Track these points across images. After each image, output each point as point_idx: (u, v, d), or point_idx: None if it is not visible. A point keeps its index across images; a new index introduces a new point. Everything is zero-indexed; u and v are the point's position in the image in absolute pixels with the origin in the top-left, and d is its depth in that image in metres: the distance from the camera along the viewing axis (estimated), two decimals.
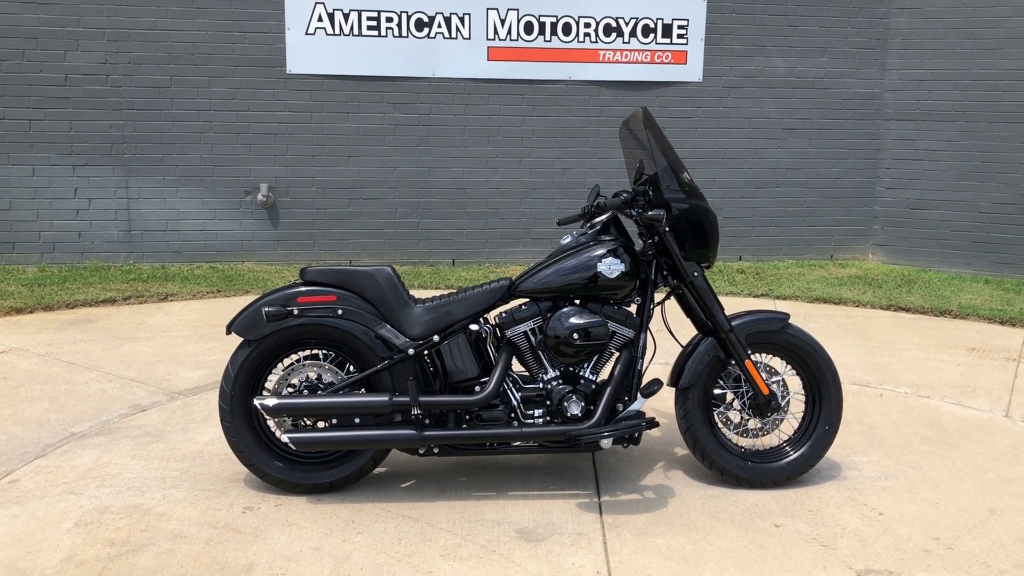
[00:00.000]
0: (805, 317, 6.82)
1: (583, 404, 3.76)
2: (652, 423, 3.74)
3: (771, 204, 8.55)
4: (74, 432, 4.46)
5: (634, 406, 3.79)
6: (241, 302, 6.90)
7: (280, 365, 3.86)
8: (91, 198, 7.61)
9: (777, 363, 4.06)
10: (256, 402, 3.64)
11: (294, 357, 3.85)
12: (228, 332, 3.78)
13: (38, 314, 6.47)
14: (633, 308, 3.94)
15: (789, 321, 4.00)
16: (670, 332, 4.04)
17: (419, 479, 3.98)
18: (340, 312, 3.72)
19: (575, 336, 3.71)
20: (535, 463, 4.17)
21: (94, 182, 7.59)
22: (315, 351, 3.83)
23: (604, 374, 3.95)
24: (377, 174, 7.99)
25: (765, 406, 3.93)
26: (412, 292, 4.01)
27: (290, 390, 3.78)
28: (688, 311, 4.00)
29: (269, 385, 3.82)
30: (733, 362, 3.93)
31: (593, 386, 3.83)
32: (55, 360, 5.51)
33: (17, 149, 7.46)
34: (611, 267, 3.75)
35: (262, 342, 3.74)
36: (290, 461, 3.79)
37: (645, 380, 3.86)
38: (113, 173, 7.63)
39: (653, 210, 3.71)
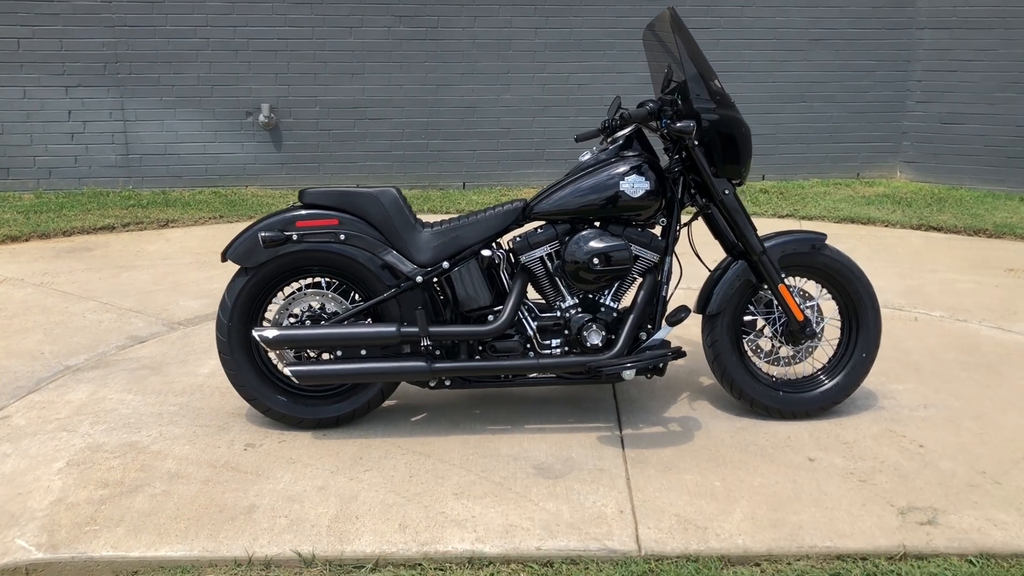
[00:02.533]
0: (832, 238, 6.49)
1: (603, 333, 3.51)
2: (678, 353, 3.49)
3: (796, 120, 8.16)
4: (69, 365, 4.26)
5: (658, 335, 3.54)
6: (243, 226, 6.63)
7: (281, 294, 3.61)
8: (86, 120, 7.30)
9: (812, 287, 3.79)
10: (255, 333, 3.41)
11: (296, 285, 3.61)
12: (224, 259, 3.53)
13: (34, 242, 6.24)
14: (658, 230, 3.66)
15: (826, 242, 3.71)
16: (697, 255, 3.76)
17: (431, 412, 3.77)
18: (342, 237, 3.46)
19: (595, 261, 3.44)
20: (553, 395, 3.94)
21: (88, 104, 7.28)
22: (318, 279, 3.59)
23: (626, 301, 3.69)
24: (383, 92, 7.64)
25: (799, 333, 3.67)
26: (420, 217, 3.74)
27: (291, 320, 3.54)
28: (717, 233, 3.72)
29: (270, 315, 3.58)
30: (765, 286, 3.66)
31: (614, 314, 3.57)
32: (51, 290, 5.30)
33: (6, 70, 7.14)
34: (634, 185, 3.45)
35: (260, 269, 3.49)
36: (294, 395, 3.58)
37: (670, 307, 3.60)
38: (107, 94, 7.31)
39: (681, 121, 3.39)
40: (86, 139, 7.31)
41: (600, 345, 3.50)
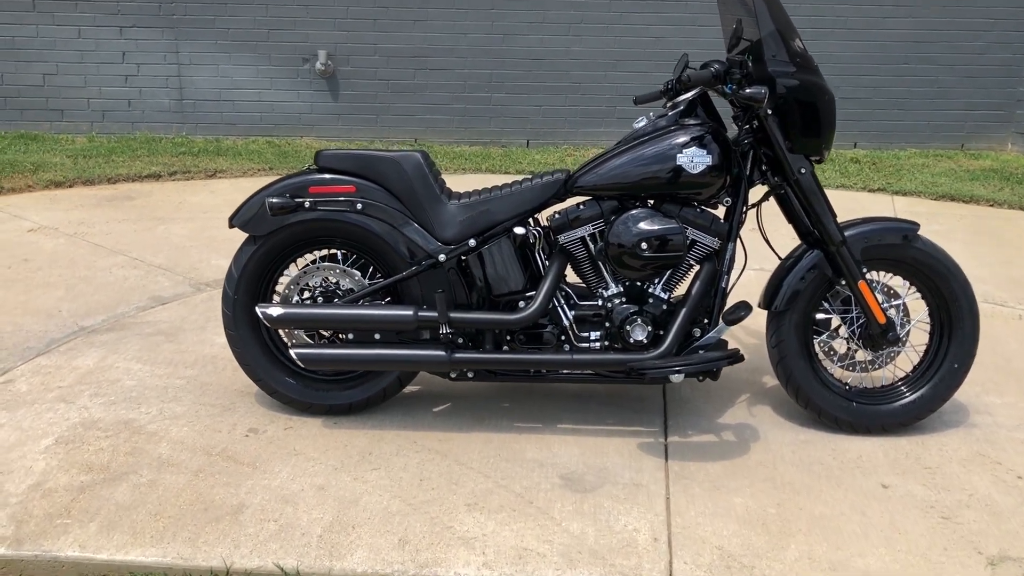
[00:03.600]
0: (928, 217, 5.88)
1: (650, 328, 3.07)
2: (735, 357, 3.03)
3: (895, 83, 7.43)
4: (84, 327, 4.02)
5: (714, 332, 3.09)
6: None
7: (294, 266, 3.27)
8: (140, 63, 7.07)
9: (898, 283, 3.27)
10: (258, 310, 3.07)
11: (310, 257, 3.26)
12: (231, 225, 3.19)
13: (77, 189, 6.06)
14: (721, 211, 3.18)
15: (919, 232, 3.18)
16: (766, 241, 3.27)
17: (454, 403, 3.40)
18: (359, 206, 3.08)
19: (643, 246, 2.99)
20: (592, 390, 3.52)
21: (142, 46, 7.04)
22: (334, 251, 3.23)
23: (680, 291, 3.23)
24: (445, 41, 7.20)
25: (880, 337, 3.17)
26: (454, 186, 3.33)
27: (301, 297, 3.19)
28: (791, 216, 3.22)
29: (280, 288, 3.24)
30: (843, 282, 3.16)
31: (664, 306, 3.12)
32: (82, 242, 5.08)
33: (62, 8, 6.94)
34: (695, 159, 2.98)
35: (269, 238, 3.15)
36: (303, 378, 3.25)
37: (731, 300, 3.14)
38: (162, 36, 7.05)
39: (753, 86, 2.89)
40: (140, 82, 7.08)
41: (645, 342, 3.07)
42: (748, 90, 2.87)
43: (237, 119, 7.22)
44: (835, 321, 3.28)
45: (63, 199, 5.83)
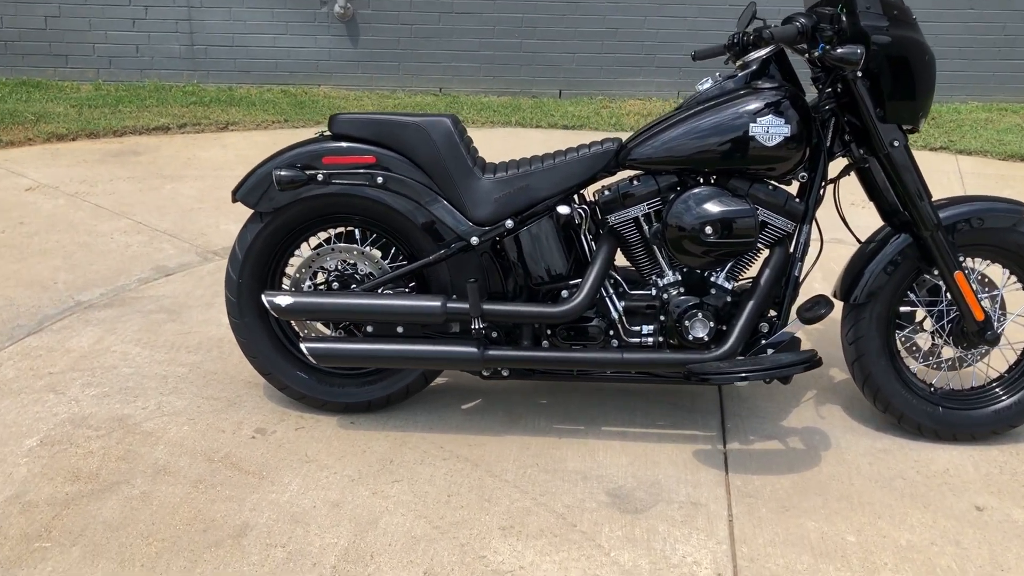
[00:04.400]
0: (997, 180, 5.40)
1: (712, 324, 2.68)
2: (812, 362, 2.62)
3: (959, 30, 6.86)
4: (80, 301, 3.68)
5: (786, 329, 2.70)
6: (311, 134, 5.93)
7: (306, 245, 2.89)
8: (148, 5, 6.63)
9: (996, 272, 2.85)
10: (264, 298, 2.70)
11: (325, 236, 2.88)
12: (234, 199, 2.81)
13: (80, 142, 5.68)
14: (794, 188, 2.76)
15: None
16: (844, 221, 2.86)
17: (486, 399, 3.04)
18: (380, 180, 2.69)
19: (708, 230, 2.59)
20: (640, 385, 3.14)
21: None
22: (352, 229, 2.85)
23: (746, 279, 2.83)
24: None
25: (976, 336, 2.76)
26: (485, 156, 2.93)
27: (313, 283, 2.82)
28: (873, 194, 2.80)
29: (292, 271, 2.87)
30: (935, 271, 2.74)
31: (728, 298, 2.73)
32: (83, 202, 4.72)
33: None
34: (770, 130, 2.55)
35: (278, 215, 2.77)
36: (318, 371, 2.89)
37: (805, 294, 2.74)
38: None
39: (845, 45, 2.44)
40: (148, 26, 6.65)
41: (705, 339, 2.68)
42: (840, 50, 2.42)
43: (251, 66, 6.78)
44: (920, 314, 2.87)
45: (65, 154, 5.46)
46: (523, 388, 3.09)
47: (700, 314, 2.67)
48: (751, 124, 2.55)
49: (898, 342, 2.87)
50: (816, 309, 2.65)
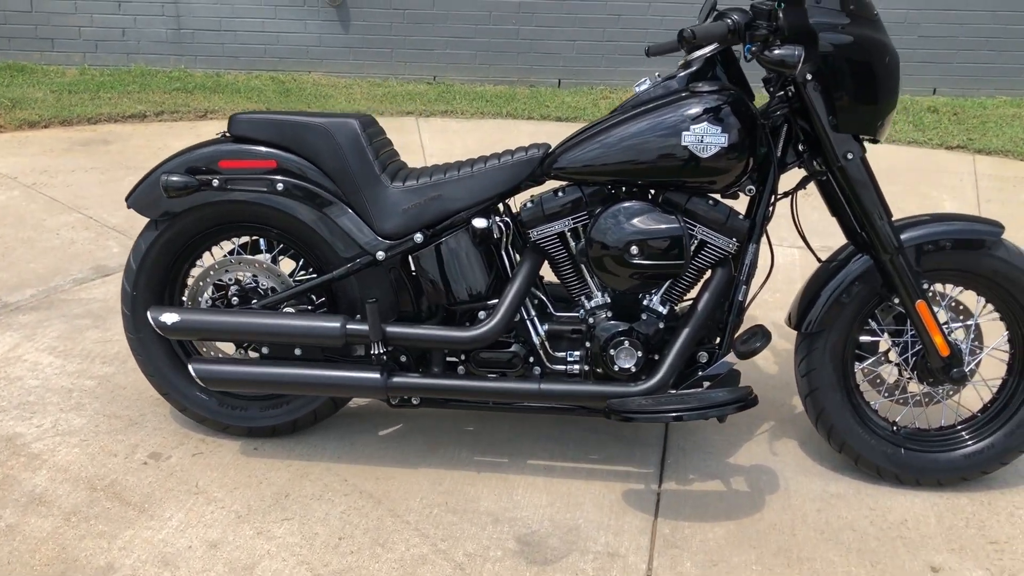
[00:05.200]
0: (1013, 184, 5.02)
1: (640, 353, 2.41)
2: (748, 401, 2.34)
3: (985, 19, 6.43)
4: (7, 303, 3.50)
5: (726, 360, 2.42)
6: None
7: (210, 255, 2.67)
8: None
9: (971, 298, 2.54)
10: (150, 315, 2.48)
11: (230, 245, 2.65)
12: (127, 206, 2.60)
13: (53, 130, 5.52)
14: (745, 201, 2.47)
15: (1003, 237, 2.43)
16: (803, 238, 2.57)
17: (407, 424, 2.80)
18: (280, 187, 2.45)
19: (634, 251, 2.31)
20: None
21: None
22: (259, 239, 2.62)
23: (686, 301, 2.55)
24: None
25: (940, 373, 2.46)
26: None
27: (213, 296, 2.60)
28: (835, 209, 2.50)
29: (192, 283, 2.65)
30: (896, 300, 2.45)
31: (661, 323, 2.45)
32: (38, 195, 4.55)
33: None
34: (705, 139, 2.27)
35: (173, 223, 2.55)
36: (219, 392, 2.66)
37: (750, 321, 2.46)
38: None
39: (784, 46, 2.15)
40: (134, 8, 6.46)
41: (633, 370, 2.41)
42: (776, 51, 2.12)
43: (239, 51, 6.58)
44: (884, 343, 2.57)
45: (34, 142, 5.30)
46: (449, 413, 2.85)
47: (627, 342, 2.40)
48: (684, 132, 2.27)
49: (858, 374, 2.58)
50: (752, 342, 2.36)
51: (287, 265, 2.64)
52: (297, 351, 2.51)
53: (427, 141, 5.52)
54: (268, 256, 2.60)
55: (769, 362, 3.18)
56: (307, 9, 6.48)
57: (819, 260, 2.58)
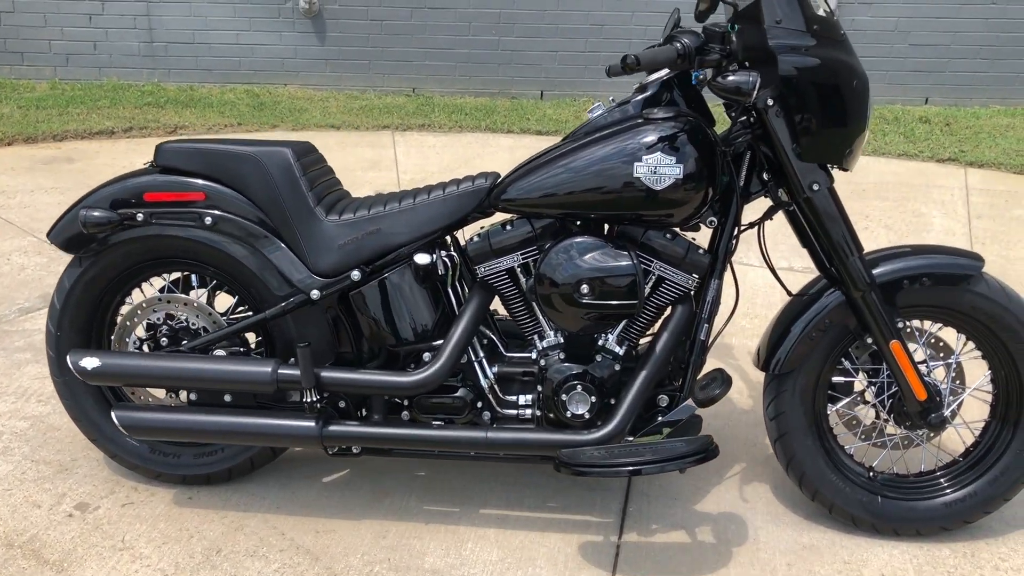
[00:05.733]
0: (1008, 198, 4.85)
1: (594, 398, 2.24)
2: (708, 452, 2.16)
3: (978, 27, 6.27)
4: None
5: (687, 404, 2.25)
6: (262, 138, 5.56)
7: (140, 293, 2.51)
8: (105, 0, 6.30)
9: (951, 335, 2.37)
10: (68, 360, 2.31)
11: (161, 282, 2.49)
12: (50, 241, 2.44)
13: (16, 147, 5.36)
14: (708, 233, 2.31)
15: (983, 271, 2.26)
16: (771, 269, 2.40)
17: (354, 470, 2.64)
18: (208, 220, 2.29)
19: (585, 289, 2.15)
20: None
21: None
22: (192, 274, 2.46)
23: (646, 339, 2.38)
24: None
25: (918, 417, 2.30)
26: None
27: (139, 337, 2.43)
28: (804, 240, 2.34)
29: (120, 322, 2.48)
30: (869, 339, 2.28)
31: (617, 365, 2.29)
32: None
33: None
34: (659, 170, 2.10)
35: (98, 259, 2.38)
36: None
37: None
38: None
39: (738, 72, 1.98)
40: (105, 22, 6.32)
41: (587, 417, 2.25)
42: (730, 78, 1.96)
43: (213, 64, 6.43)
44: (859, 383, 2.41)
45: None
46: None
47: (580, 386, 2.23)
48: (636, 163, 2.10)
49: (832, 416, 2.41)
50: (710, 389, 2.19)
51: (225, 301, 2.49)
52: (227, 397, 2.34)
53: (401, 156, 5.36)
54: (201, 293, 2.44)
55: (743, 395, 3.01)
56: (282, 20, 6.33)
57: (789, 293, 2.42)
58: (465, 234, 2.39)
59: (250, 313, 2.42)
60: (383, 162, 5.26)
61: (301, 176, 2.29)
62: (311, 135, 5.64)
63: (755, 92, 1.94)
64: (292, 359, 2.31)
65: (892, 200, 4.77)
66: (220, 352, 2.37)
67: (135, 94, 6.21)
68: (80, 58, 6.42)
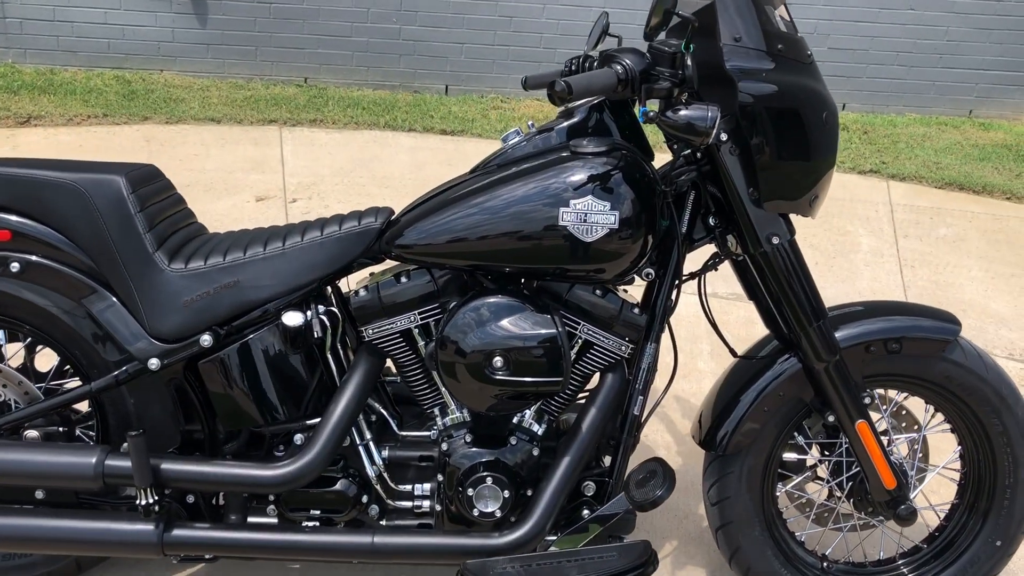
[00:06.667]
0: (933, 215, 4.65)
1: (508, 492, 1.83)
2: (647, 563, 1.79)
3: (898, 33, 6.10)
4: None
5: (616, 502, 1.86)
6: (130, 135, 4.95)
7: None
8: None
9: (917, 405, 2.05)
10: None
11: None
12: None
13: None
14: (644, 286, 1.93)
15: (959, 336, 1.95)
16: (717, 332, 2.03)
17: (208, 567, 2.16)
18: (16, 268, 1.78)
19: (499, 362, 1.73)
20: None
21: None
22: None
23: (571, 412, 1.99)
24: None
25: (884, 507, 1.97)
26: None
27: None
28: (752, 293, 1.97)
29: None
30: (831, 417, 1.94)
31: (536, 448, 1.88)
32: None
33: None
34: (588, 218, 1.70)
35: None
36: None
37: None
38: None
39: (693, 105, 1.59)
40: None
41: (498, 515, 1.84)
42: (683, 112, 1.57)
43: (78, 46, 5.73)
44: (812, 457, 2.07)
45: None
46: None
47: (490, 478, 1.82)
48: (562, 209, 1.70)
49: (781, 498, 2.07)
50: (650, 490, 1.80)
51: (50, 358, 1.98)
52: (38, 493, 1.84)
53: (289, 155, 4.83)
54: (14, 352, 1.93)
55: (671, 451, 2.66)
56: (157, 0, 5.68)
57: (734, 354, 2.06)
58: (350, 283, 1.94)
59: (77, 381, 1.92)
60: (268, 162, 4.73)
61: (137, 212, 1.80)
62: (188, 129, 5.05)
63: (714, 131, 1.55)
64: (126, 444, 1.82)
65: (817, 217, 4.51)
66: (33, 433, 1.87)
67: None
68: None
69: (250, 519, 1.89)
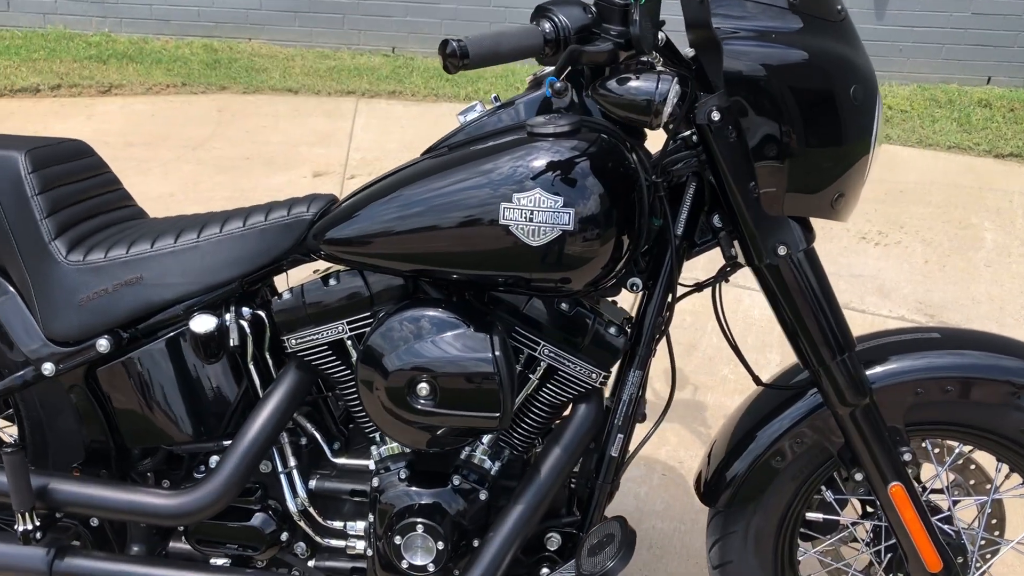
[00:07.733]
0: None
1: (443, 544, 1.52)
2: None
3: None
4: None
5: (559, 574, 1.52)
6: (204, 104, 4.86)
7: None
8: None
9: (985, 460, 1.61)
10: None
11: None
12: None
13: None
14: (634, 297, 1.57)
15: None
16: (736, 352, 1.63)
17: None
18: None
19: (423, 390, 1.42)
20: None
21: None
22: None
23: (534, 442, 1.65)
24: None
25: None
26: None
27: None
28: (777, 314, 1.56)
29: None
30: (859, 475, 1.53)
31: (485, 491, 1.56)
32: None
33: None
34: (535, 216, 1.36)
35: None
36: None
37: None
38: None
39: (641, 75, 1.22)
40: None
41: (431, 570, 1.53)
42: (629, 82, 1.19)
43: (169, 14, 5.71)
44: (847, 516, 1.66)
45: None
46: None
47: (422, 527, 1.51)
48: (503, 205, 1.35)
49: (804, 563, 1.68)
50: (600, 560, 1.44)
51: None
52: None
53: (359, 130, 4.62)
54: None
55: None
56: None
57: (757, 381, 1.66)
58: (289, 280, 1.67)
59: None
60: (336, 136, 4.53)
61: (35, 194, 1.57)
62: (262, 100, 4.92)
63: (666, 110, 1.17)
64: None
65: (935, 206, 3.93)
66: None
67: (80, 46, 5.52)
68: (23, 3, 5.73)
69: (165, 549, 1.66)
